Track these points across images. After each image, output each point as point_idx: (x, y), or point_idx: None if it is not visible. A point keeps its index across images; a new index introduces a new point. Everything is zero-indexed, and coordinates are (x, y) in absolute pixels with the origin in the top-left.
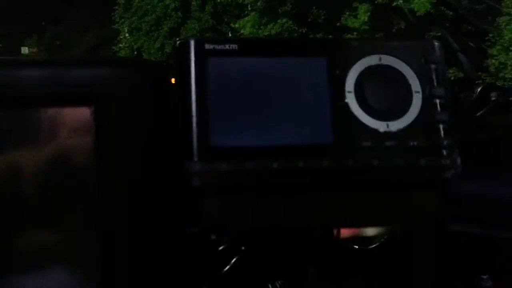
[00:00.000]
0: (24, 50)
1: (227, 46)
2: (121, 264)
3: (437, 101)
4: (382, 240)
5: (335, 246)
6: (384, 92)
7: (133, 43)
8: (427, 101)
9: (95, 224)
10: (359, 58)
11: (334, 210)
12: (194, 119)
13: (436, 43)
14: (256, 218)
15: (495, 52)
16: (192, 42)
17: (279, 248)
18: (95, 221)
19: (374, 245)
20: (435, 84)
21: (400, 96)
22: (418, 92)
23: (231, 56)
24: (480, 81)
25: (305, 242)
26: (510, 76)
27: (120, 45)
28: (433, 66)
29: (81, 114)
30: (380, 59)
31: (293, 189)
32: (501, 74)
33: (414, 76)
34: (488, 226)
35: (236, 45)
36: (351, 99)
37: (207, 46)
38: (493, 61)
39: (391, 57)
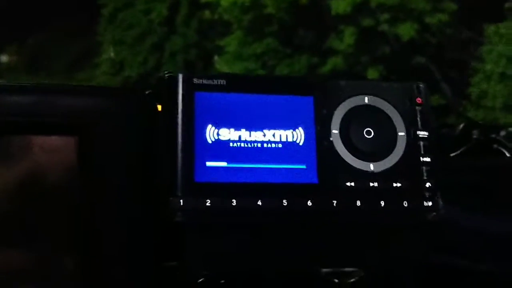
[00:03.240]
0: (3, 58)
1: (215, 81)
2: None
3: (421, 143)
4: (362, 274)
5: (316, 279)
6: (369, 133)
7: (115, 56)
8: (411, 143)
9: (73, 254)
10: (346, 98)
11: (317, 250)
12: (179, 154)
13: (421, 86)
14: (237, 257)
15: (476, 80)
16: (180, 76)
17: (260, 282)
18: (73, 250)
19: (354, 279)
20: (420, 126)
21: (385, 137)
22: (403, 133)
23: (219, 91)
24: (461, 108)
25: (286, 276)
26: (490, 104)
27: (103, 57)
28: (418, 108)
29: (65, 143)
30: (366, 99)
31: (277, 228)
32: (482, 102)
33: (399, 117)
34: (469, 259)
35: (224, 81)
36: (336, 139)
37: (195, 80)
38: (475, 89)
39: (377, 98)
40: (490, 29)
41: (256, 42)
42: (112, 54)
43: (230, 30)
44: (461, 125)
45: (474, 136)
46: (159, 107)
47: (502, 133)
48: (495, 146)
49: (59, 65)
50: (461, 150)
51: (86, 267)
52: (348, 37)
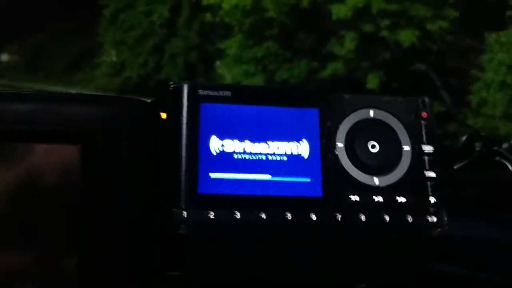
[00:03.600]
0: (4, 57)
1: (220, 93)
2: None
3: (426, 158)
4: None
5: None
6: (374, 147)
7: (116, 57)
8: (416, 157)
9: (74, 264)
10: (351, 111)
11: (320, 264)
12: (183, 165)
13: (427, 100)
14: (240, 269)
15: (476, 88)
16: (185, 87)
17: None
18: (74, 260)
19: None
20: (425, 140)
21: (390, 151)
22: (408, 148)
23: (224, 103)
24: (461, 116)
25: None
26: (490, 112)
27: (103, 58)
28: (423, 122)
29: (68, 152)
30: (372, 113)
31: (280, 241)
32: (482, 110)
33: (405, 132)
34: (470, 267)
35: (229, 92)
36: (341, 152)
37: (200, 92)
38: (474, 97)
39: (383, 112)
40: (491, 37)
41: (257, 46)
42: (114, 58)
43: (231, 33)
44: (464, 137)
45: (477, 149)
46: (163, 115)
47: (505, 145)
48: (497, 158)
49: (58, 65)
50: (464, 162)
51: (87, 274)
52: (349, 42)
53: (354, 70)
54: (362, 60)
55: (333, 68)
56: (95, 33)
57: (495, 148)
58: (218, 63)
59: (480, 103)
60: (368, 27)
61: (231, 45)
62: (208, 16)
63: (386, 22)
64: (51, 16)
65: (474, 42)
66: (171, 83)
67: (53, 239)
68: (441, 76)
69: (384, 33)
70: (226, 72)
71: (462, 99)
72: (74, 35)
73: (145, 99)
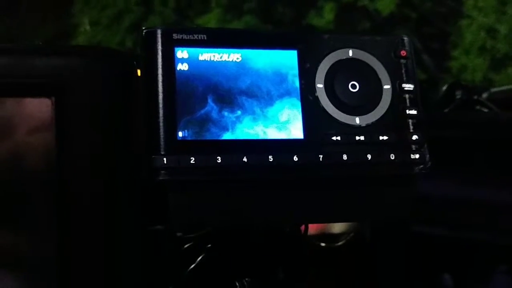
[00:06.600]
0: None
1: (195, 36)
2: (80, 264)
3: (407, 96)
4: (348, 237)
5: (302, 243)
6: (354, 86)
7: (92, 37)
8: (396, 96)
9: (52, 222)
10: (330, 52)
11: (304, 206)
12: (161, 112)
13: (406, 38)
14: (224, 214)
15: (456, 54)
16: (159, 31)
17: (246, 246)
18: (52, 218)
19: (341, 243)
20: (405, 79)
21: (370, 90)
22: (388, 86)
23: (200, 46)
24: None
25: (273, 240)
26: (470, 77)
27: (79, 38)
28: (403, 61)
29: (41, 105)
30: (350, 53)
31: (263, 184)
32: (462, 76)
33: (384, 70)
34: (450, 227)
35: (205, 35)
36: (321, 93)
37: (175, 36)
38: (455, 63)
39: (362, 51)
40: (469, 3)
41: (235, 20)
42: (87, 27)
43: (209, 9)
44: (445, 86)
45: (458, 97)
46: (139, 72)
47: (485, 94)
48: (477, 107)
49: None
50: (445, 110)
51: (67, 237)
52: (328, 13)
53: None
54: (342, 30)
55: None
56: (68, 14)
57: (475, 97)
58: None
59: (461, 69)
60: None
61: (209, 20)
62: None
63: None
64: None
65: (455, 5)
66: (144, 28)
67: (27, 195)
68: (422, 43)
69: (364, 1)
70: None
71: (444, 65)
72: (47, 16)
73: (122, 50)
